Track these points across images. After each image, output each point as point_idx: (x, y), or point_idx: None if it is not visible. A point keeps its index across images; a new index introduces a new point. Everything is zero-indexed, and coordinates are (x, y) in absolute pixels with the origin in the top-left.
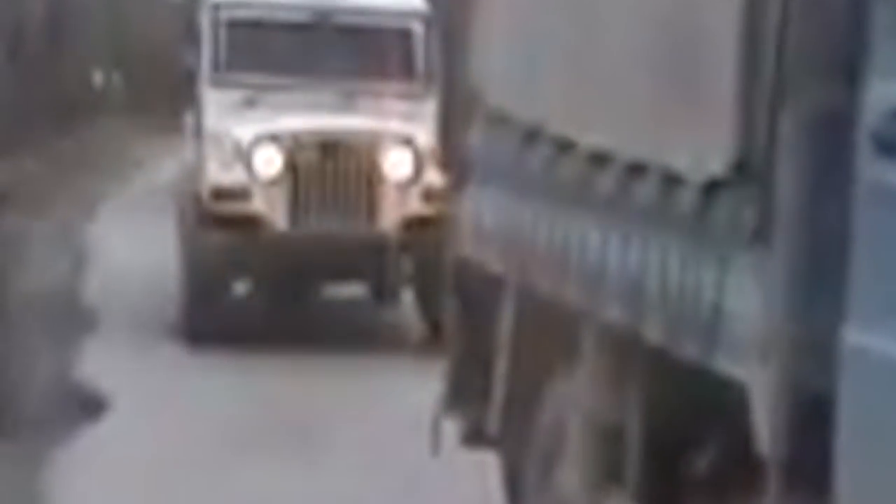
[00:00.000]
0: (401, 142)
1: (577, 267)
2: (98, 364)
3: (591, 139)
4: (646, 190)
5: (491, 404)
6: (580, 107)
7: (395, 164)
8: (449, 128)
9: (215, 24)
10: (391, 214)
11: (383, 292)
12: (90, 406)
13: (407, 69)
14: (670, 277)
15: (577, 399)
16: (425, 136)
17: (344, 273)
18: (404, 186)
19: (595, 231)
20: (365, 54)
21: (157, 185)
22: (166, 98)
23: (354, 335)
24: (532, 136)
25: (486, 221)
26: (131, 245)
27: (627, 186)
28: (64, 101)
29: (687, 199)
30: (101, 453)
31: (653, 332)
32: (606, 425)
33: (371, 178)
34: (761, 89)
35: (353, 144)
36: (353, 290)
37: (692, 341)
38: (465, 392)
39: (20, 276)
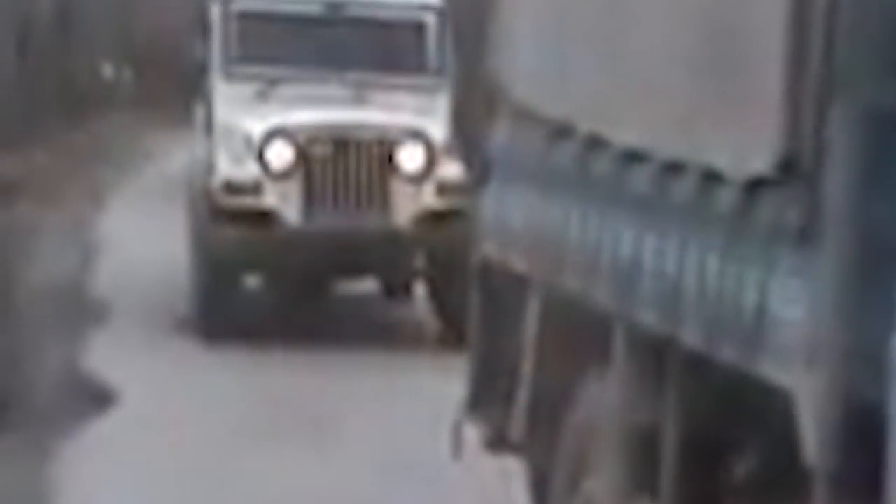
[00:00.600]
0: (414, 136)
1: (609, 267)
2: (108, 357)
3: (624, 136)
4: (683, 188)
5: (515, 408)
6: (612, 103)
7: (408, 158)
8: (462, 122)
9: (226, 17)
10: (404, 209)
11: (396, 288)
12: (99, 399)
13: (420, 62)
14: (709, 279)
15: (607, 403)
16: (438, 129)
17: (357, 268)
18: (417, 181)
19: (629, 230)
20: (378, 47)
21: (167, 177)
22: (176, 90)
23: (368, 331)
24: (560, 133)
25: (511, 220)
26: (141, 237)
27: (664, 185)
28: (73, 93)
29: (728, 197)
30: (109, 447)
31: (690, 336)
32: (640, 430)
33: (384, 172)
34: (809, 83)
35: (365, 138)
36: (365, 285)
37: (733, 346)
38: (487, 395)
39: (30, 268)
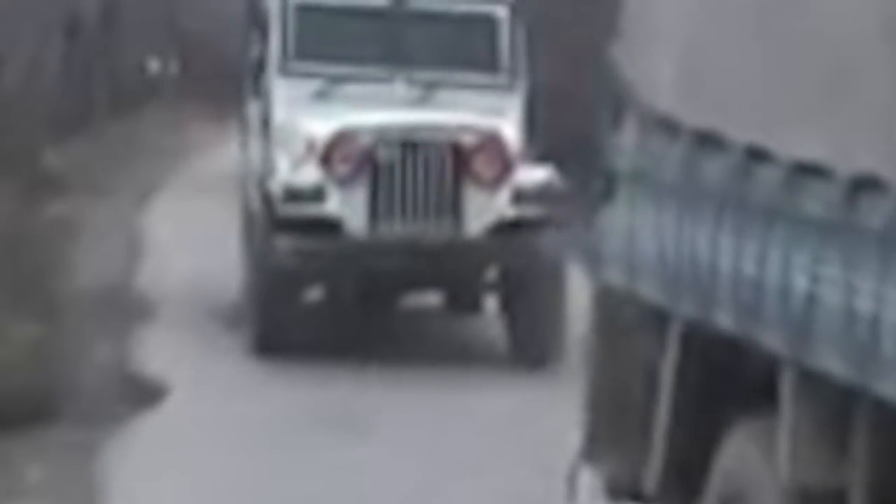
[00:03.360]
0: (487, 138)
1: (777, 302)
2: (154, 356)
3: (794, 149)
4: (880, 211)
5: (649, 457)
6: (778, 111)
7: (482, 162)
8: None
9: (284, 10)
10: (477, 218)
11: (466, 302)
12: (149, 394)
13: (491, 59)
14: None
15: (771, 457)
16: (513, 132)
17: (425, 281)
18: (492, 187)
19: (803, 260)
20: (446, 42)
21: (213, 172)
22: (222, 84)
23: (433, 348)
24: (709, 144)
25: (643, 243)
26: (186, 233)
27: (851, 206)
28: (120, 88)
29: None
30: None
31: (890, 387)
32: (817, 491)
33: (455, 178)
34: None
35: (435, 141)
36: (428, 297)
37: None
38: (610, 440)
39: (76, 263)
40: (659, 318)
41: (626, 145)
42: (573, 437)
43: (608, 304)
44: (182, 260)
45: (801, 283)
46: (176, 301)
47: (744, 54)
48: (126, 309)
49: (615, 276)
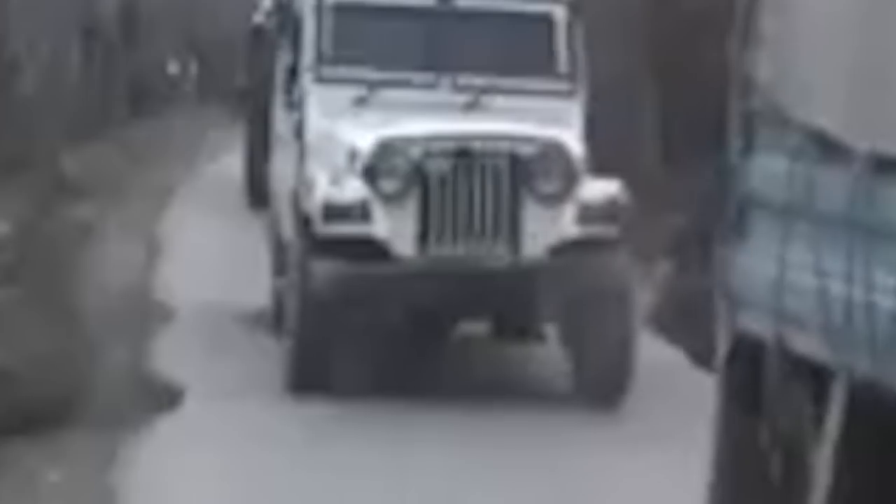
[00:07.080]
0: (549, 148)
1: None
2: (173, 360)
3: None
4: None
5: None
6: None
7: (543, 175)
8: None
9: (320, 9)
10: (538, 238)
11: (524, 331)
12: (166, 398)
13: (548, 63)
14: None
15: None
16: (576, 142)
17: (481, 308)
18: (554, 204)
19: None
20: (498, 44)
21: (231, 177)
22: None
23: (485, 384)
24: (891, 170)
25: (797, 285)
26: (202, 238)
27: None
28: (139, 90)
29: None
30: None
31: None
32: None
33: (514, 193)
34: None
35: (491, 152)
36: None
37: None
38: None
39: (94, 266)
40: (816, 376)
41: (765, 166)
42: None
43: (745, 356)
44: (201, 264)
45: None
46: (195, 304)
47: None
48: (144, 312)
49: (756, 324)
